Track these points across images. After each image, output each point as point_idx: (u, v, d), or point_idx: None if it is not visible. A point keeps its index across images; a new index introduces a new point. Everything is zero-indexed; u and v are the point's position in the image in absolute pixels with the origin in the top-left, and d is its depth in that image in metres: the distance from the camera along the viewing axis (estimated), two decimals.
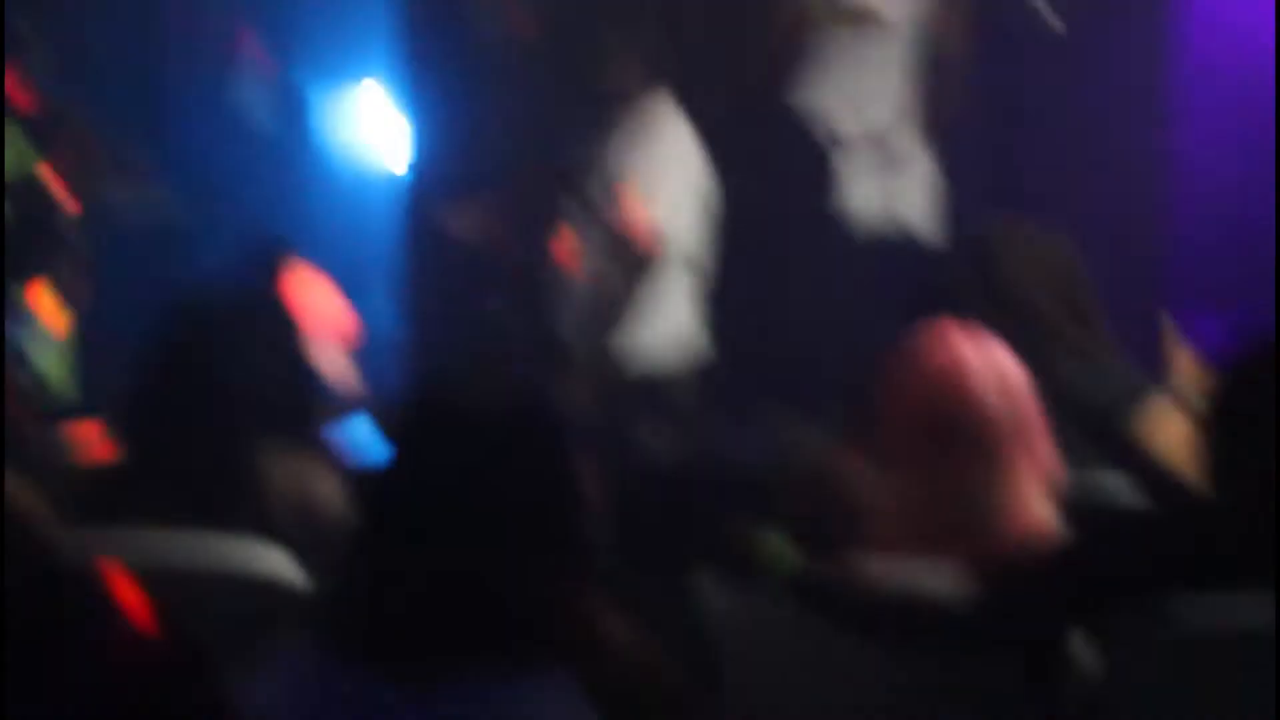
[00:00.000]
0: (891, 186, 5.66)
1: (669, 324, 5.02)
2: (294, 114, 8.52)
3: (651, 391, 5.04)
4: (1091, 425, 3.52)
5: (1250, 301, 6.61)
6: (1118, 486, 3.34)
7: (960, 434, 2.86)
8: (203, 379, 3.15)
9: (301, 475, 3.08)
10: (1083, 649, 2.63)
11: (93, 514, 3.05)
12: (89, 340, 5.82)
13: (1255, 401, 2.59)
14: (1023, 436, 2.89)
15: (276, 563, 2.87)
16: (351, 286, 6.44)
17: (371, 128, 8.52)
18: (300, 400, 3.28)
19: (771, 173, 5.73)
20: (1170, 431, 3.43)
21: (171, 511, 3.02)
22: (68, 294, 5.66)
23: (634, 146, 4.90)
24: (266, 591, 2.77)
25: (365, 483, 2.19)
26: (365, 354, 4.75)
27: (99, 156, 5.72)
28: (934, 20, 5.65)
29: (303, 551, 2.94)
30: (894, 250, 5.68)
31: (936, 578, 2.69)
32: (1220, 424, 2.65)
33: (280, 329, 3.31)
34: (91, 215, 5.79)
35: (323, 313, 4.28)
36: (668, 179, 4.95)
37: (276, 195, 8.26)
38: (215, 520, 3.01)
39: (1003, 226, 3.79)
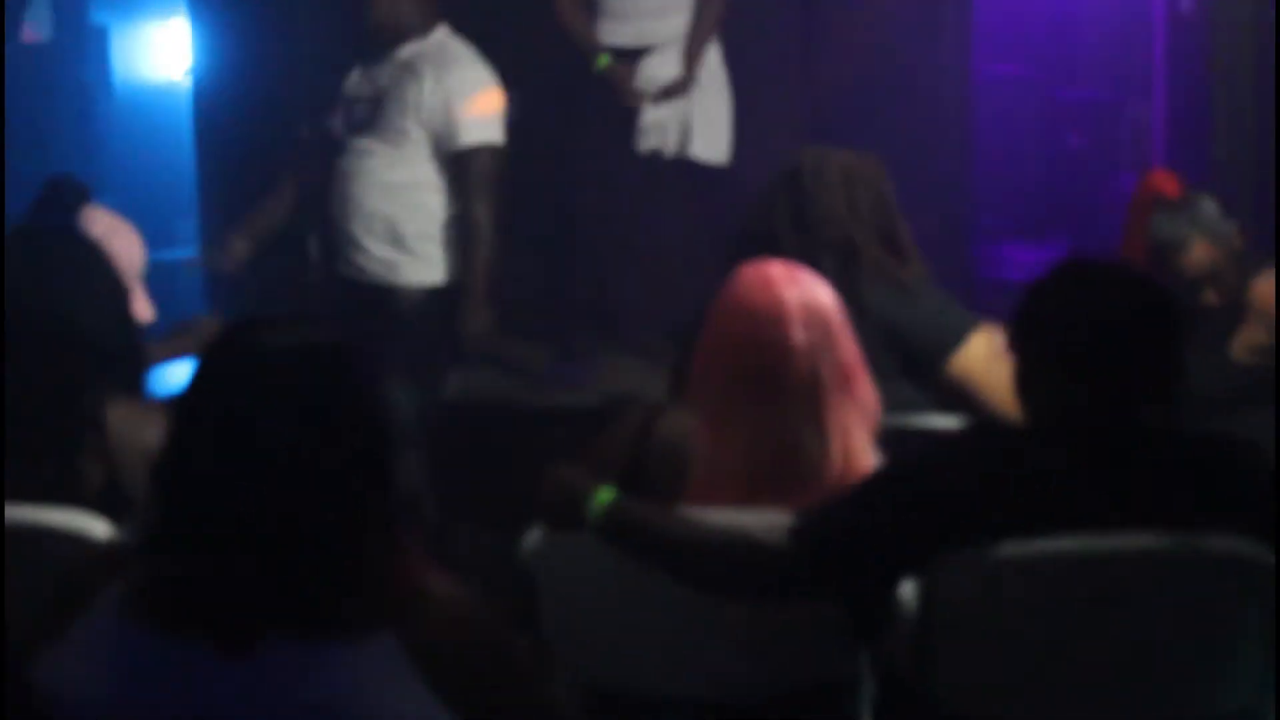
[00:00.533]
0: (683, 109, 5.63)
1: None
2: (92, 48, 8.35)
3: (459, 333, 4.99)
4: (913, 362, 3.52)
5: (1060, 233, 6.74)
6: (941, 426, 3.35)
7: (779, 379, 2.85)
8: (22, 325, 3.01)
9: (149, 425, 2.98)
10: (906, 590, 2.64)
11: None
12: None
13: (1051, 324, 2.60)
14: (842, 377, 2.89)
15: (90, 524, 2.78)
16: (155, 224, 6.33)
17: (172, 64, 8.42)
18: (125, 344, 3.17)
19: (567, 103, 5.69)
20: (991, 367, 3.44)
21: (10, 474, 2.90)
22: None
23: (434, 82, 4.87)
24: (80, 552, 2.68)
25: (169, 437, 2.10)
26: (170, 296, 4.64)
27: None
28: None
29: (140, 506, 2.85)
30: (698, 180, 5.67)
31: (760, 522, 2.67)
32: (1020, 348, 2.66)
33: (93, 268, 3.18)
34: None
35: (125, 253, 4.15)
36: (486, 98, 4.96)
37: (76, 133, 8.10)
38: (55, 478, 2.91)
39: (815, 156, 3.74)
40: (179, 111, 7.57)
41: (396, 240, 4.97)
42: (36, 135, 7.68)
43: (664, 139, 5.65)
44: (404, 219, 4.97)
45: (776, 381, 2.85)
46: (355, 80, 5.06)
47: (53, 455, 2.94)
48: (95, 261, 3.18)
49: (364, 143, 4.98)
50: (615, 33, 5.67)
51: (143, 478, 2.94)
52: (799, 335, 2.85)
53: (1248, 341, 4.15)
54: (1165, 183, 4.52)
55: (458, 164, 4.92)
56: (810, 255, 3.49)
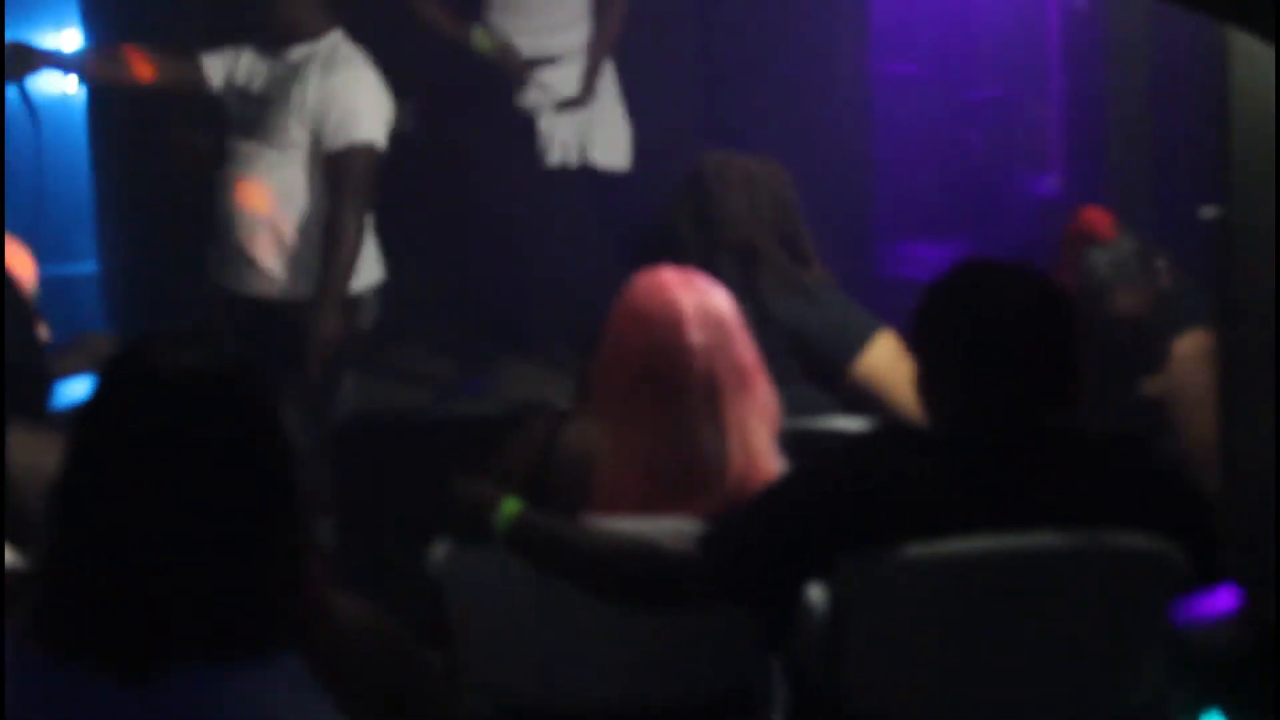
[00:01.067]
0: (583, 119, 5.61)
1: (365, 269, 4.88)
2: None
3: (359, 342, 4.91)
4: (816, 365, 3.53)
5: (960, 232, 6.76)
6: (845, 428, 3.36)
7: (677, 382, 2.85)
8: None
9: (48, 453, 2.93)
10: (814, 595, 2.64)
11: None
12: None
13: (949, 324, 2.61)
14: (740, 379, 2.89)
15: None
16: (50, 238, 6.25)
17: (64, 77, 8.30)
18: (30, 365, 3.14)
19: (464, 111, 5.65)
20: (894, 369, 3.46)
21: None
22: None
23: (319, 82, 4.78)
24: None
25: (65, 459, 2.07)
26: (65, 311, 4.58)
27: None
28: None
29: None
30: (600, 188, 5.66)
31: (665, 530, 2.67)
32: (920, 349, 2.66)
33: None
34: None
35: (19, 275, 4.10)
36: (366, 97, 4.86)
37: None
38: None
39: (717, 160, 3.74)
40: (73, 124, 7.47)
41: (282, 250, 4.80)
42: None
43: (567, 151, 5.62)
44: (288, 227, 4.81)
45: (674, 385, 2.85)
46: (242, 77, 4.93)
47: None
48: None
49: (248, 145, 4.83)
50: (516, 39, 5.61)
51: (38, 504, 2.91)
52: (695, 338, 2.86)
53: (1160, 386, 4.16)
54: (1098, 221, 4.49)
55: (331, 163, 4.74)
56: (712, 258, 3.51)
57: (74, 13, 7.19)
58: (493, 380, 5.64)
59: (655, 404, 2.86)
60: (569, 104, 5.56)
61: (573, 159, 5.63)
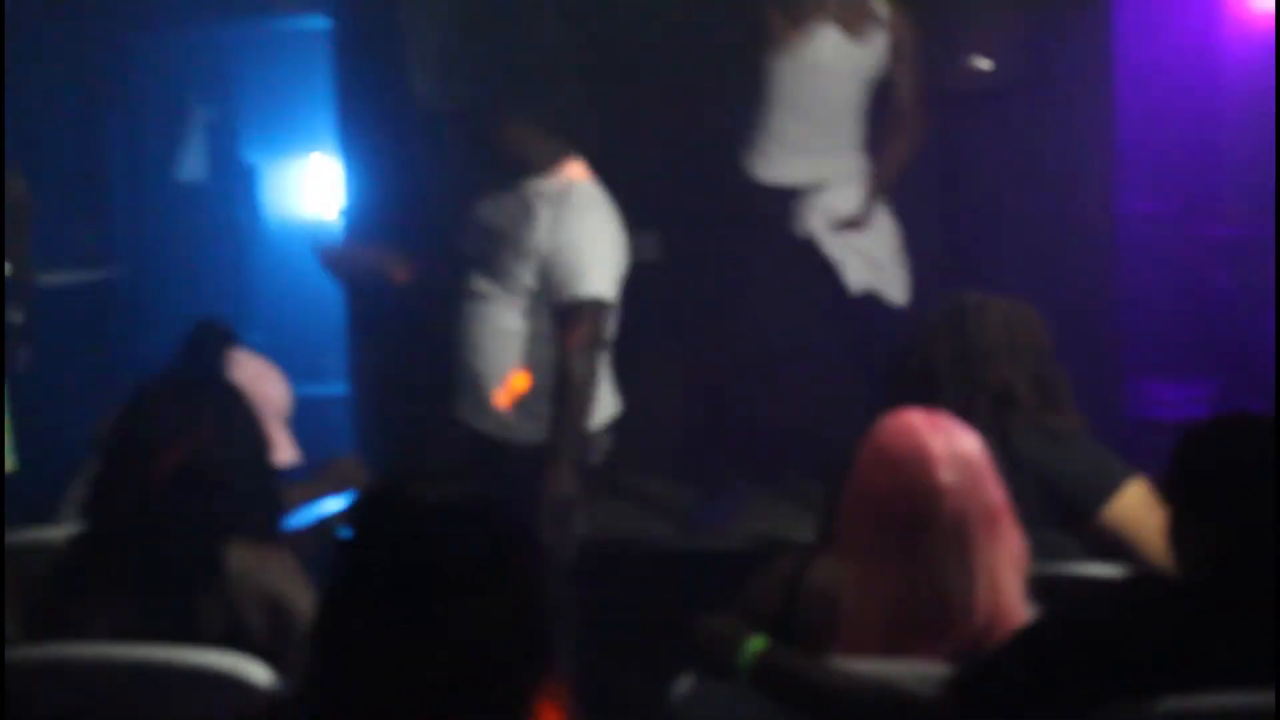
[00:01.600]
0: (857, 246, 5.57)
1: (599, 408, 4.77)
2: (243, 187, 8.53)
3: (591, 477, 4.88)
4: (1064, 512, 3.48)
5: (1208, 372, 6.65)
6: (1094, 574, 3.30)
7: (926, 524, 2.83)
8: (160, 470, 3.10)
9: (268, 570, 3.03)
10: None
11: (55, 616, 3.02)
12: (25, 411, 5.71)
13: (1210, 473, 2.57)
14: (991, 524, 2.87)
15: (245, 666, 2.82)
16: (303, 359, 6.43)
17: (318, 199, 8.57)
18: (262, 488, 3.23)
19: (723, 238, 5.69)
20: (1145, 518, 3.40)
21: (138, 612, 2.97)
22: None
23: (550, 228, 4.64)
24: (238, 694, 2.71)
25: (326, 583, 2.13)
26: (316, 430, 4.69)
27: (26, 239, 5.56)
28: (886, 68, 5.60)
29: (272, 652, 2.90)
30: (866, 321, 5.64)
31: (912, 673, 2.65)
32: (1176, 497, 2.63)
33: (236, 416, 3.26)
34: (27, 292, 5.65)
35: (270, 396, 4.22)
36: (597, 249, 4.66)
37: (225, 268, 8.26)
38: (182, 621, 2.97)
39: (976, 301, 3.70)
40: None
41: (539, 394, 4.63)
42: (190, 274, 7.85)
43: (859, 277, 5.53)
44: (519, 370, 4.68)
45: (924, 526, 2.83)
46: (481, 210, 4.82)
47: (171, 594, 3.00)
48: (238, 409, 3.25)
49: (481, 283, 4.74)
50: (786, 166, 5.58)
51: (261, 622, 3.00)
52: (945, 479, 2.84)
53: None
54: None
55: (560, 315, 4.59)
56: (969, 398, 3.48)
57: (321, 141, 7.45)
58: (730, 509, 5.63)
59: (903, 545, 2.84)
60: (847, 225, 5.51)
61: (862, 286, 5.54)
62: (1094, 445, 3.59)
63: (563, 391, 4.53)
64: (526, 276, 4.62)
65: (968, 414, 3.11)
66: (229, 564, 3.03)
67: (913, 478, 2.86)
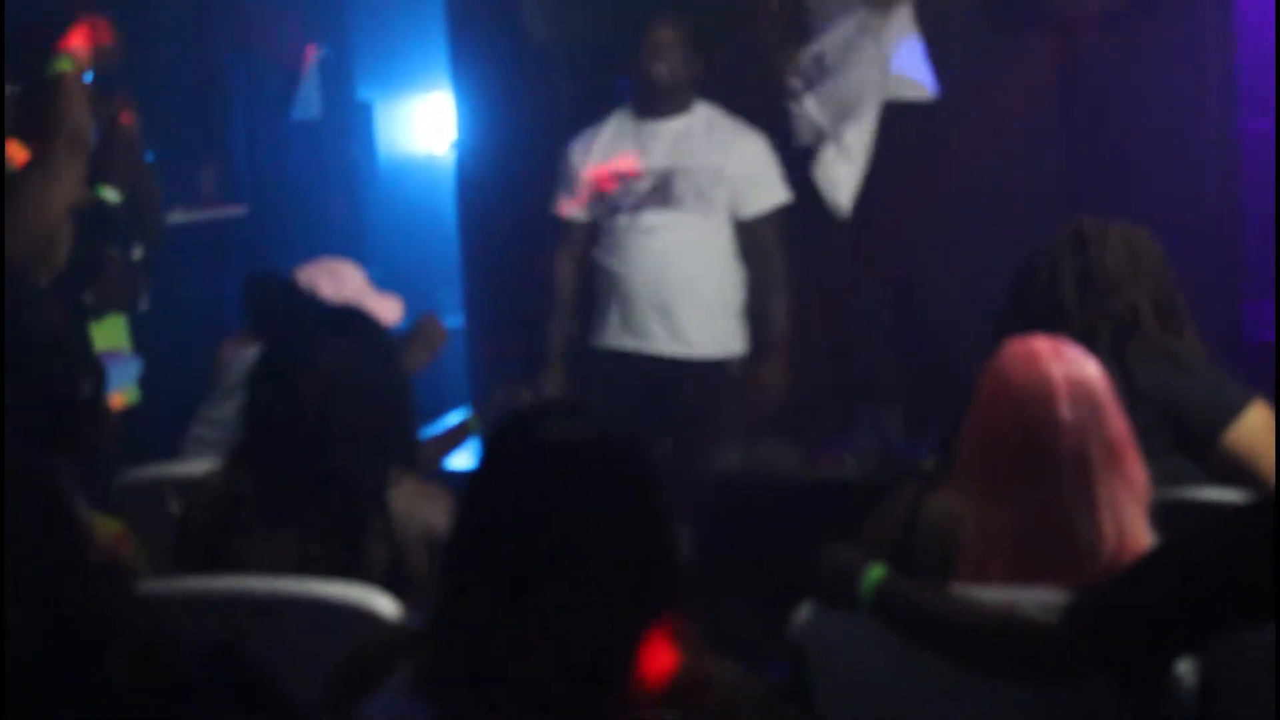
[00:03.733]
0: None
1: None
2: (358, 125, 8.59)
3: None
4: (1187, 437, 3.46)
5: None
6: (1217, 499, 3.27)
7: (1047, 457, 2.82)
8: (312, 407, 3.11)
9: (429, 506, 3.07)
10: (1183, 668, 2.59)
11: (211, 546, 3.07)
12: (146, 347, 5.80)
13: None
14: (1111, 454, 2.85)
15: (374, 598, 2.87)
16: (417, 294, 6.48)
17: (434, 138, 8.62)
18: (407, 419, 3.26)
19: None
20: (1267, 440, 3.37)
21: (303, 550, 3.02)
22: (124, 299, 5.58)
23: (714, 147, 5.09)
24: (368, 629, 2.76)
25: (455, 519, 2.16)
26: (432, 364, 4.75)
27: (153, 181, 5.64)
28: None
29: (422, 585, 2.94)
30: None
31: (1034, 601, 2.65)
32: None
33: (379, 347, 3.29)
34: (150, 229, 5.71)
35: (387, 316, 4.32)
36: (773, 174, 5.19)
37: (341, 205, 8.33)
38: (345, 558, 3.01)
39: (1098, 225, 3.67)
40: (441, 184, 7.75)
41: (723, 312, 5.11)
42: (306, 209, 7.93)
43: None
44: (724, 289, 5.12)
45: (1045, 459, 2.82)
46: (623, 151, 5.17)
47: (341, 536, 3.03)
48: (382, 340, 3.29)
49: (664, 216, 5.08)
50: None
51: (422, 557, 3.04)
52: (1066, 412, 2.83)
53: None
54: None
55: (753, 227, 5.11)
56: (1090, 324, 3.45)
57: (436, 80, 7.48)
58: (856, 439, 5.66)
59: (1024, 478, 2.83)
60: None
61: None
62: (1212, 369, 3.56)
63: (770, 292, 5.09)
64: (720, 197, 5.08)
65: (1090, 341, 3.09)
66: (392, 501, 3.06)
67: (1034, 409, 2.84)
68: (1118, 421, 2.88)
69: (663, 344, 5.10)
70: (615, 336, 5.15)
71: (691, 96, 5.18)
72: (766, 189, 5.14)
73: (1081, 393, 2.85)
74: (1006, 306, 3.64)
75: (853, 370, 5.83)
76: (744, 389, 5.16)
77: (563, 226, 5.35)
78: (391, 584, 2.95)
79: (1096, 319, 3.50)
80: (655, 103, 5.13)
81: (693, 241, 5.08)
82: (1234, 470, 3.41)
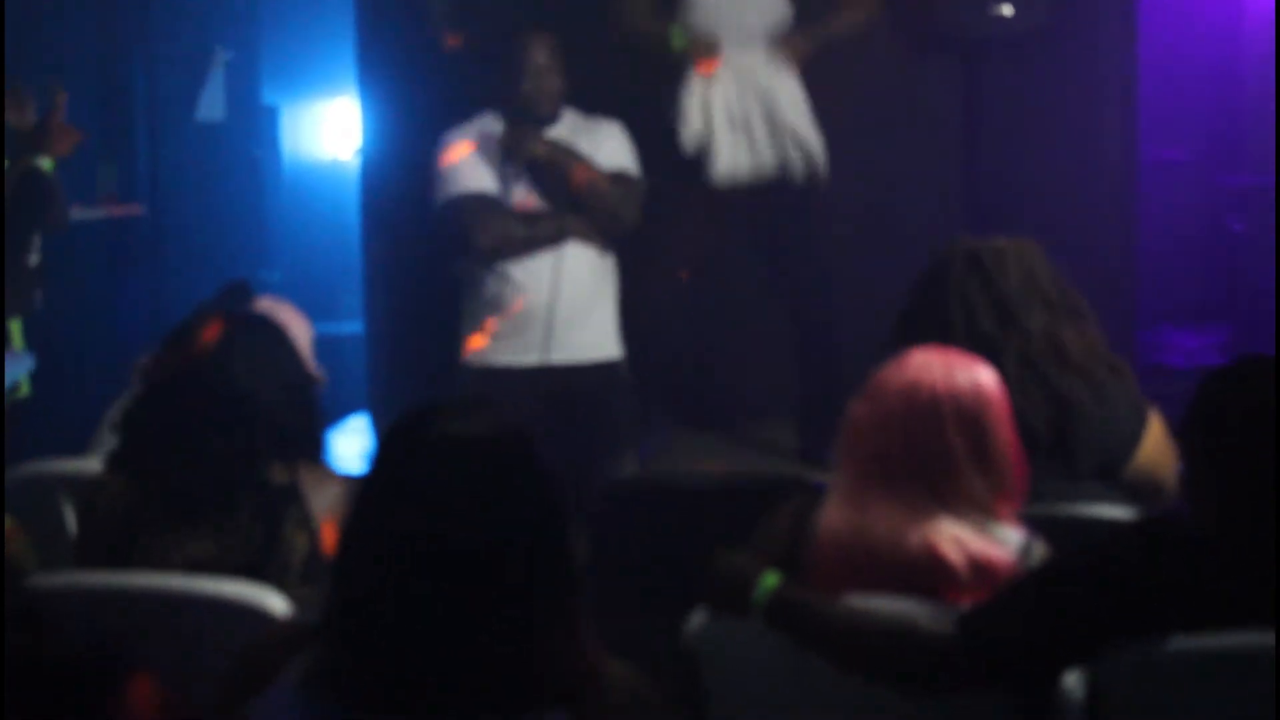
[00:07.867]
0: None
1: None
2: (262, 127, 8.54)
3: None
4: (1095, 451, 3.48)
5: (1221, 319, 6.65)
6: (1108, 516, 3.31)
7: (921, 464, 2.85)
8: (216, 406, 3.11)
9: (323, 487, 3.07)
10: (1071, 680, 2.62)
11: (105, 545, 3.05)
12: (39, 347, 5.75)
13: (1231, 416, 2.57)
14: (985, 467, 2.87)
15: (265, 596, 2.85)
16: (320, 297, 6.45)
17: (338, 143, 8.59)
18: (308, 413, 3.26)
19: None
20: (1168, 455, 3.43)
21: (190, 538, 3.00)
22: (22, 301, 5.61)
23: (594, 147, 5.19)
24: (259, 624, 2.75)
25: (346, 517, 2.15)
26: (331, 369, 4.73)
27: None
28: None
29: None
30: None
31: (926, 612, 2.67)
32: (1194, 440, 2.63)
33: (277, 344, 3.28)
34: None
35: (301, 338, 4.29)
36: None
37: (243, 208, 8.29)
38: (262, 550, 3.00)
39: (986, 244, 3.66)
40: (345, 188, 7.72)
41: (609, 312, 5.22)
42: (208, 211, 7.88)
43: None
44: (606, 290, 5.20)
45: (917, 466, 2.85)
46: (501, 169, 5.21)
47: (259, 528, 3.02)
48: (282, 346, 3.28)
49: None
50: None
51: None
52: (949, 421, 2.85)
53: None
54: None
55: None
56: (992, 339, 3.46)
57: (344, 84, 7.45)
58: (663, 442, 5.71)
59: (895, 483, 2.86)
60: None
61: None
62: (1109, 397, 3.54)
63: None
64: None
65: (993, 353, 3.12)
66: (304, 489, 3.07)
67: (913, 416, 2.87)
68: (997, 436, 2.90)
69: (564, 351, 5.12)
70: (506, 352, 5.14)
71: (561, 108, 5.26)
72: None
73: (966, 402, 2.87)
74: (899, 327, 3.63)
75: (752, 383, 5.87)
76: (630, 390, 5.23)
77: (477, 198, 5.29)
78: (316, 572, 2.96)
79: (997, 334, 3.51)
80: (528, 118, 5.16)
81: (581, 248, 5.15)
82: (1143, 489, 3.46)
